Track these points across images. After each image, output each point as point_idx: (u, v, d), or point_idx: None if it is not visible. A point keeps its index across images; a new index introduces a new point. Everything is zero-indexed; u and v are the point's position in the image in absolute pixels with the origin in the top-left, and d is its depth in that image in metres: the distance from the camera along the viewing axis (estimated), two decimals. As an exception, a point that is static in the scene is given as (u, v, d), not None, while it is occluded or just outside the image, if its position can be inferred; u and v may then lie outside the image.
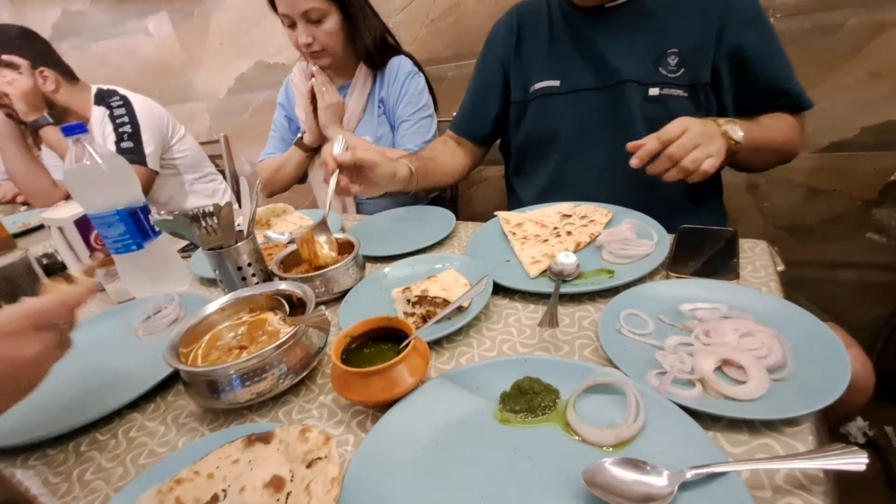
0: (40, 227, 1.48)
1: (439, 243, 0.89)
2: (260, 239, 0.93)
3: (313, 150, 1.35)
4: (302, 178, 1.42)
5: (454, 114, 1.49)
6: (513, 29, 1.04)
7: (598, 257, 0.73)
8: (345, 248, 0.82)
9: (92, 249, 0.93)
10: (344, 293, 0.75)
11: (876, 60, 1.13)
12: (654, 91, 0.90)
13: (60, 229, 0.92)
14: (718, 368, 0.48)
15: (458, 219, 0.97)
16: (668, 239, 0.73)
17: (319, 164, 1.22)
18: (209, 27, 2.08)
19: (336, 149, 0.85)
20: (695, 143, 0.72)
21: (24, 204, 1.76)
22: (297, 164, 1.36)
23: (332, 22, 1.16)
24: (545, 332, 0.60)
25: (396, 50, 1.30)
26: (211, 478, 0.44)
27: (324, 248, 0.80)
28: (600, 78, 0.94)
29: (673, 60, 0.88)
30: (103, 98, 1.53)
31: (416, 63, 1.30)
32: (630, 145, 0.75)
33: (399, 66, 1.26)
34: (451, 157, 1.15)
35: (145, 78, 1.65)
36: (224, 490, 0.43)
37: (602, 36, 0.93)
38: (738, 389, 0.45)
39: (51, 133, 1.48)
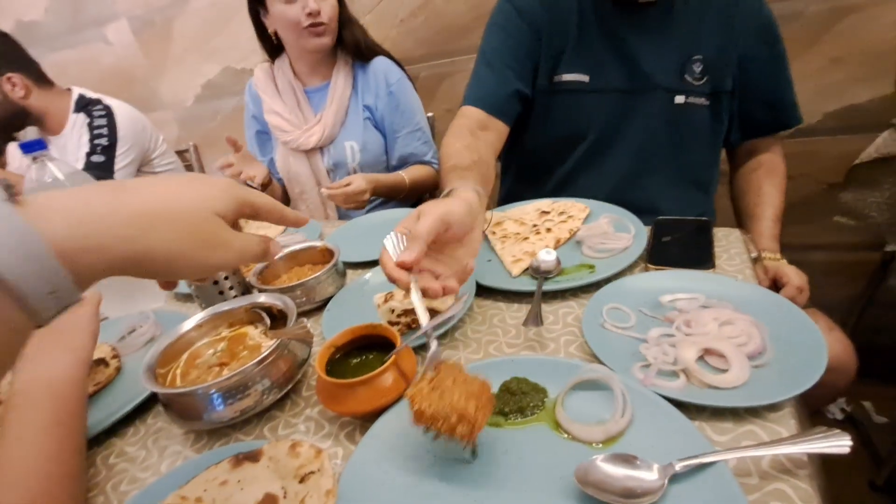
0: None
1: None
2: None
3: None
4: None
5: (428, 114, 1.47)
6: (545, 3, 0.88)
7: (579, 253, 0.74)
8: (325, 255, 0.81)
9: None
10: (326, 301, 0.74)
11: (836, 46, 1.17)
12: (679, 99, 0.87)
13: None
14: (701, 358, 0.49)
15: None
16: (646, 231, 0.74)
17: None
18: (172, 34, 2.01)
19: (390, 248, 0.50)
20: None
21: None
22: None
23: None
24: (530, 330, 0.60)
25: (378, 47, 1.25)
26: (199, 502, 0.43)
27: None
28: (631, 80, 0.87)
29: (697, 68, 0.85)
30: (85, 106, 1.47)
31: (395, 61, 1.25)
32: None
33: (386, 70, 1.21)
34: (488, 147, 0.85)
35: (108, 87, 1.59)
36: (212, 514, 0.42)
37: (634, 35, 0.85)
38: (721, 378, 0.46)
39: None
